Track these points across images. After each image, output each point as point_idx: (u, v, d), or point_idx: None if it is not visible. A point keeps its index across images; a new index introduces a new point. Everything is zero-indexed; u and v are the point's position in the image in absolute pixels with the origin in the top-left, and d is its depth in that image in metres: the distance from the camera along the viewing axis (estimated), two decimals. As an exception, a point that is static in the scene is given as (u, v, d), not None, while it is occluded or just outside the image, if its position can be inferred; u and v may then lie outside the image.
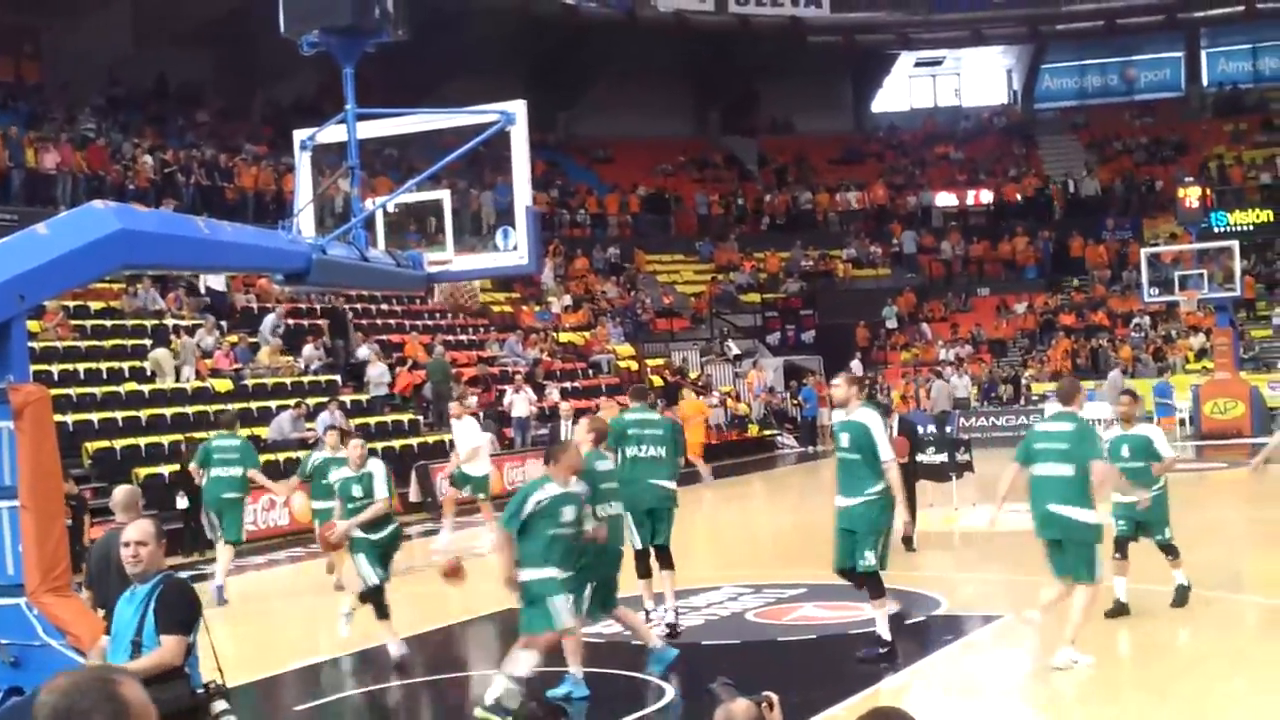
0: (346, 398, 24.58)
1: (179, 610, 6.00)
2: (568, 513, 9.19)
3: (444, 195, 9.68)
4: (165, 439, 21.16)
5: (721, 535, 19.66)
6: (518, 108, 8.97)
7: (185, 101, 36.09)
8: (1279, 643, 11.16)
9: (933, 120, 51.14)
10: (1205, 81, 49.94)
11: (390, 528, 11.41)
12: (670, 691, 9.69)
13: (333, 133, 9.36)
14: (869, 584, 10.38)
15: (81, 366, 22.21)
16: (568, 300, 36.26)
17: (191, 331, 24.36)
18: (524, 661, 9.09)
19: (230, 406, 20.52)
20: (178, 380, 23.14)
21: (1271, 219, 41.69)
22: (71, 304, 23.15)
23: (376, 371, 26.19)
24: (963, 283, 43.30)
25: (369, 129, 9.41)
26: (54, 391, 12.46)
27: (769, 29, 44.90)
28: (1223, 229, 40.51)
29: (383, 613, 11.15)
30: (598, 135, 46.14)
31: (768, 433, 34.57)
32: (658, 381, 32.86)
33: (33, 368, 7.77)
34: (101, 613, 7.15)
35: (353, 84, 8.92)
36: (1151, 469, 11.44)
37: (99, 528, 13.85)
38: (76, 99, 32.62)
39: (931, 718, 8.97)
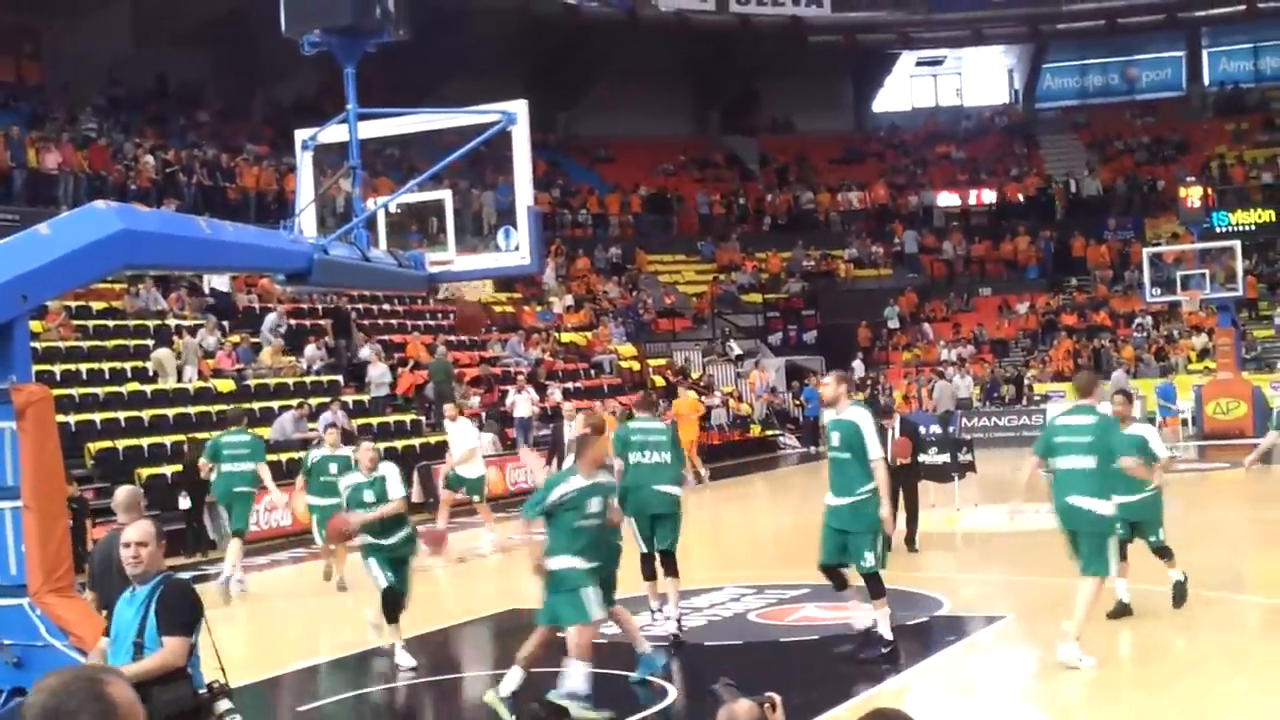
0: (348, 398, 24.59)
1: (181, 611, 6.00)
2: (594, 504, 9.24)
3: (445, 195, 9.69)
4: (167, 439, 21.17)
5: (723, 536, 19.66)
6: (519, 108, 8.97)
7: (186, 101, 36.10)
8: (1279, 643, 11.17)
9: (934, 120, 51.12)
10: (1206, 81, 49.92)
11: (401, 533, 11.14)
12: (672, 692, 9.69)
13: (334, 133, 9.37)
14: (869, 584, 10.38)
15: (84, 367, 22.21)
16: (569, 300, 36.26)
17: (193, 332, 24.37)
18: (578, 674, 9.07)
19: (234, 406, 20.64)
20: (180, 380, 23.14)
21: (1273, 218, 41.68)
22: (74, 304, 23.15)
23: (378, 372, 26.19)
24: (964, 283, 43.28)
25: (370, 129, 9.41)
26: (56, 392, 12.47)
27: (770, 28, 44.90)
28: (1224, 229, 40.50)
29: (393, 617, 11.08)
30: (599, 135, 46.14)
31: (770, 433, 34.56)
32: (660, 381, 32.87)
33: (35, 368, 7.78)
34: (105, 613, 7.15)
35: (354, 84, 8.92)
36: (1152, 467, 11.42)
37: (101, 528, 13.86)
38: (77, 99, 32.63)
39: (933, 718, 8.97)
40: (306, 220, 9.24)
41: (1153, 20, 46.59)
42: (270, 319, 26.31)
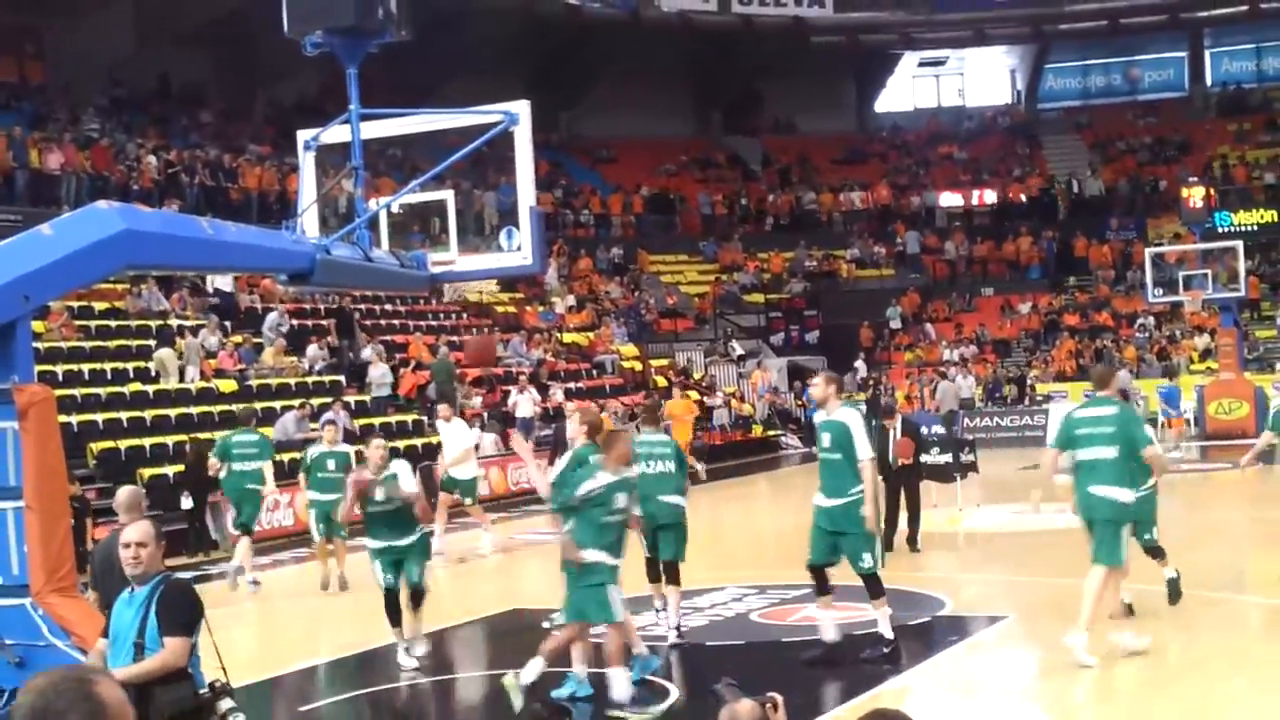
0: (350, 398, 24.59)
1: (182, 612, 6.00)
2: (620, 499, 9.29)
3: (448, 195, 9.69)
4: (169, 439, 21.18)
5: (725, 536, 19.66)
6: (521, 108, 8.98)
7: (188, 101, 36.11)
8: (1283, 643, 11.17)
9: (936, 120, 51.11)
10: (1209, 81, 49.89)
11: (411, 538, 11.01)
12: (675, 692, 9.69)
13: (336, 133, 9.37)
14: (868, 584, 10.40)
15: (86, 367, 22.22)
16: (571, 301, 36.26)
17: (195, 332, 24.38)
18: (621, 681, 9.10)
19: (244, 406, 20.74)
20: (182, 381, 23.16)
21: (1276, 219, 41.65)
22: (76, 304, 23.17)
23: (378, 372, 26.20)
24: (967, 283, 43.27)
25: (372, 129, 9.42)
26: (58, 392, 12.47)
27: (772, 29, 44.89)
28: (1227, 229, 40.48)
29: (395, 619, 11.05)
30: (601, 135, 46.14)
31: (772, 433, 34.55)
32: (661, 382, 32.87)
33: (37, 368, 7.79)
34: (107, 613, 7.16)
35: (356, 84, 8.93)
36: (1148, 469, 11.40)
37: (103, 528, 13.86)
38: (79, 99, 32.65)
39: (935, 718, 8.98)
40: (309, 220, 9.25)
41: (1155, 20, 46.57)
42: (271, 318, 26.32)
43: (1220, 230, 40.20)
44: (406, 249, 9.45)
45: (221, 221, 9.03)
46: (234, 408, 22.79)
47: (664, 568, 11.43)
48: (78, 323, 23.25)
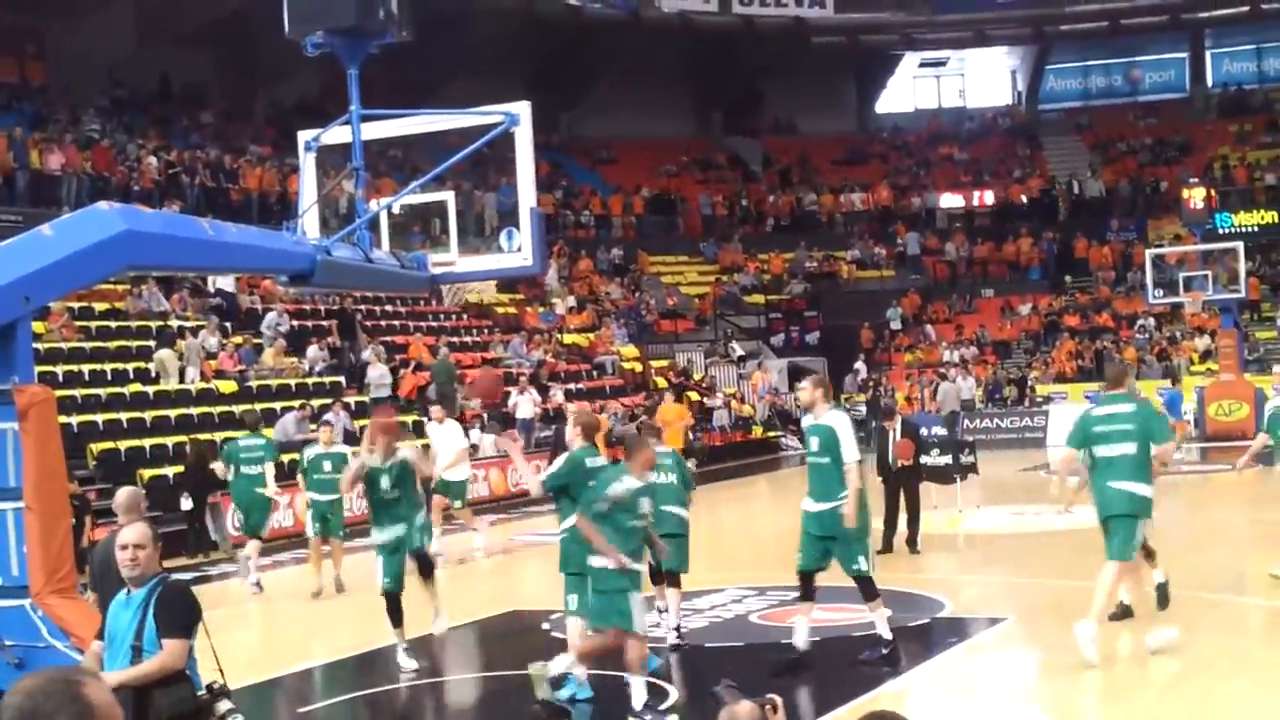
0: (351, 399, 24.59)
1: (180, 614, 6.00)
2: (644, 505, 9.29)
3: (448, 196, 9.70)
4: (169, 440, 21.19)
5: (725, 537, 19.66)
6: (522, 109, 8.97)
7: (189, 102, 36.12)
8: (1283, 645, 11.17)
9: (937, 121, 51.11)
10: (1210, 82, 49.89)
11: (416, 521, 10.98)
12: (674, 694, 9.69)
13: (337, 134, 9.37)
14: (862, 587, 10.41)
15: (86, 368, 22.23)
16: (572, 302, 36.26)
17: (196, 333, 24.39)
18: (639, 690, 9.10)
19: (255, 407, 20.99)
20: (182, 381, 23.16)
21: (1276, 220, 41.64)
22: (76, 305, 23.18)
23: (377, 373, 26.19)
24: (967, 284, 43.27)
25: (373, 130, 9.42)
26: (58, 393, 12.47)
27: (773, 29, 44.89)
28: (1227, 230, 40.48)
29: (395, 620, 11.04)
30: (601, 136, 46.14)
31: (771, 434, 34.55)
32: (662, 383, 32.87)
33: (37, 369, 7.79)
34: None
35: (357, 85, 8.93)
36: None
37: (102, 529, 13.86)
38: (80, 100, 32.65)
39: (935, 720, 8.98)
40: (309, 221, 9.25)
41: (1156, 21, 46.58)
42: (270, 318, 26.34)
43: (1221, 231, 40.20)
44: (407, 250, 9.45)
45: (222, 222, 9.04)
46: (234, 409, 22.86)
47: (666, 574, 11.45)
48: (78, 323, 23.25)
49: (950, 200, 46.08)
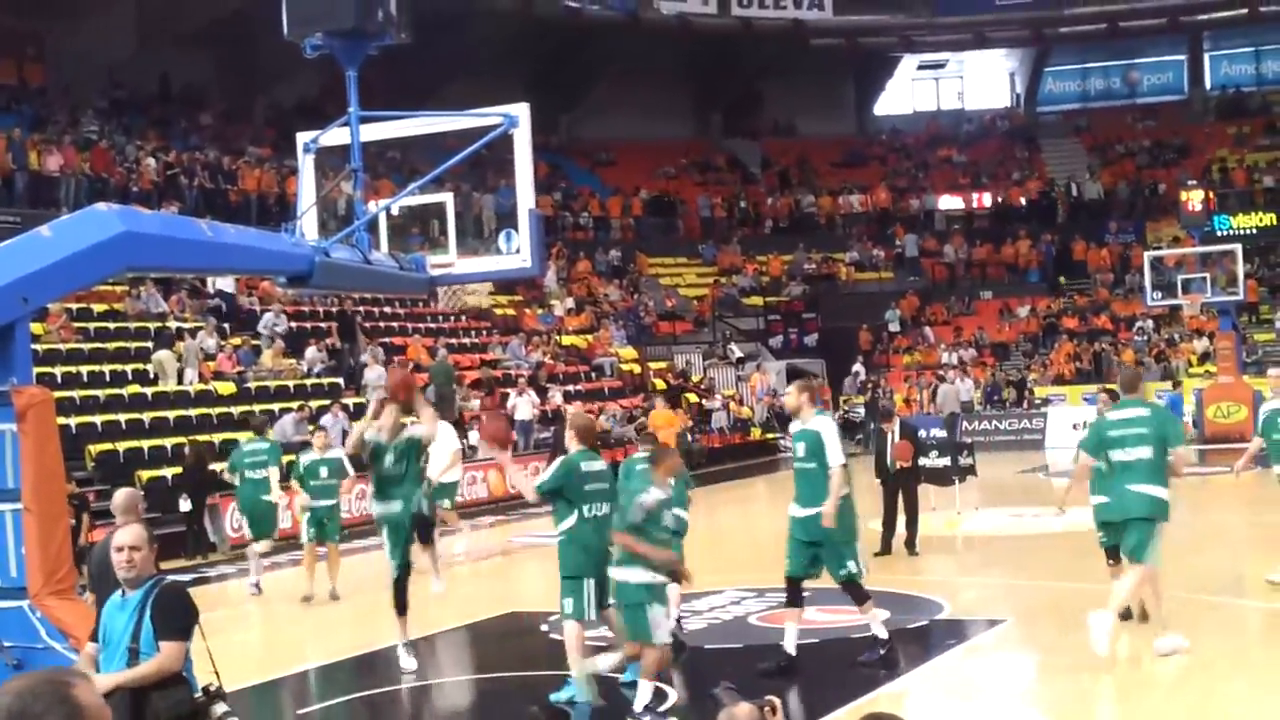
0: (349, 400, 24.58)
1: (178, 616, 6.00)
2: (668, 516, 9.32)
3: (447, 198, 9.69)
4: (168, 441, 21.18)
5: (724, 538, 19.65)
6: (521, 110, 8.96)
7: (188, 104, 36.12)
8: (1282, 647, 11.17)
9: (935, 123, 51.13)
10: (1208, 84, 49.91)
11: (397, 504, 10.83)
12: (673, 695, 9.68)
13: (336, 135, 9.37)
14: (850, 591, 10.42)
15: (84, 369, 22.22)
16: (570, 303, 36.26)
17: (194, 334, 24.39)
18: (644, 692, 9.10)
19: (255, 409, 20.98)
20: (180, 383, 23.15)
21: (1274, 222, 41.65)
22: (74, 306, 23.16)
23: (374, 375, 26.16)
24: (965, 286, 43.27)
25: (372, 131, 9.41)
26: (57, 394, 12.46)
27: (771, 31, 44.91)
28: (1225, 232, 40.51)
29: (400, 606, 10.94)
30: (600, 138, 46.14)
31: (770, 436, 34.53)
32: (660, 385, 32.87)
33: (36, 370, 7.78)
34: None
35: (356, 87, 8.92)
36: None
37: (101, 530, 13.86)
38: (79, 101, 32.65)
39: (934, 722, 8.98)
40: (308, 223, 9.24)
41: (1154, 24, 46.60)
42: (266, 318, 26.34)
43: (1219, 234, 40.22)
44: (405, 251, 9.44)
45: (221, 224, 9.03)
46: (233, 410, 22.87)
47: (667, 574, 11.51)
48: (76, 325, 23.25)
49: (949, 202, 46.09)
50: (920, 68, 51.88)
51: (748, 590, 13.79)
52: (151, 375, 23.02)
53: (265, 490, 15.63)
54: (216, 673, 6.19)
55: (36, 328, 20.43)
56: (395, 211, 9.75)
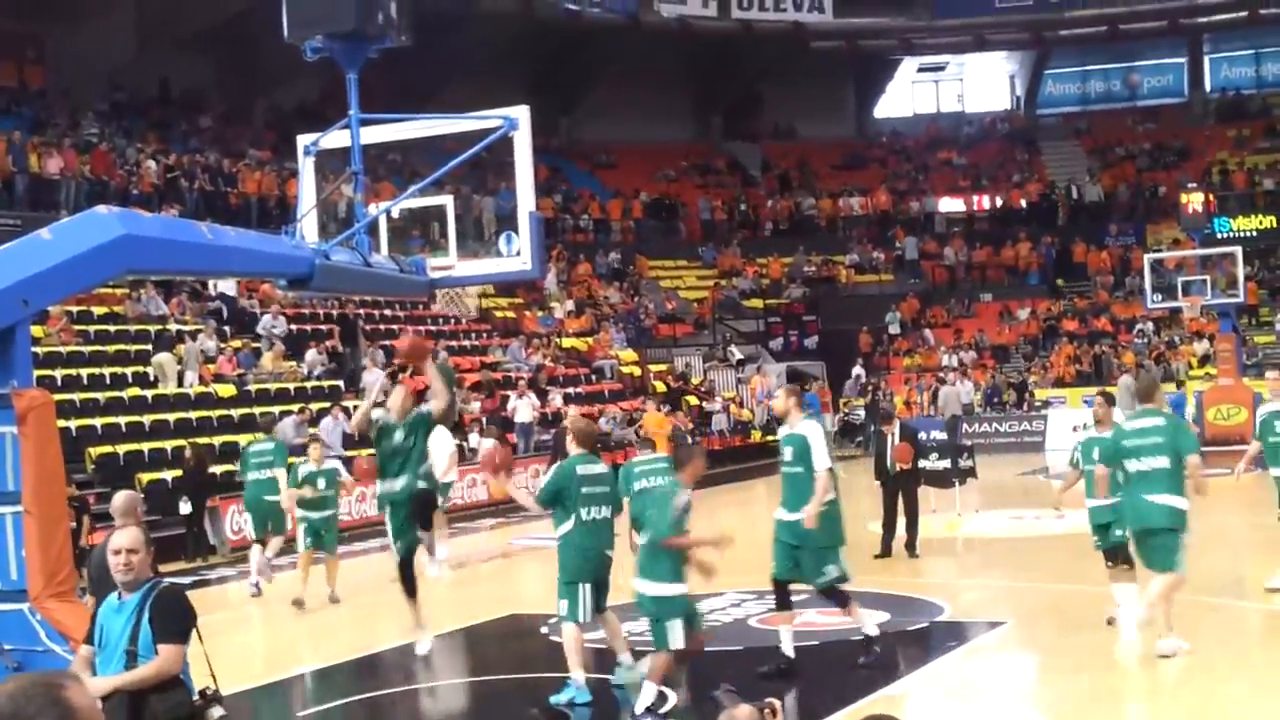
0: (350, 403, 24.57)
1: (177, 619, 6.00)
2: (687, 520, 9.34)
3: (447, 200, 9.69)
4: (168, 444, 21.17)
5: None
6: (521, 113, 8.96)
7: (188, 106, 36.13)
8: (1282, 649, 11.17)
9: (936, 126, 51.13)
10: (1208, 87, 49.90)
11: (402, 480, 10.70)
12: (673, 697, 9.68)
13: (336, 138, 9.37)
14: (831, 596, 10.43)
15: (85, 371, 22.22)
16: (570, 306, 36.26)
17: (194, 337, 24.40)
18: (648, 693, 9.12)
19: (256, 411, 21.00)
20: (180, 385, 23.16)
21: (1274, 224, 41.66)
22: (75, 309, 23.17)
23: (372, 378, 26.12)
24: (966, 288, 43.27)
25: (372, 134, 9.41)
26: (57, 396, 12.46)
27: (772, 34, 44.91)
28: (1226, 235, 40.51)
29: (409, 590, 10.84)
30: (600, 140, 46.14)
31: (770, 438, 34.42)
32: (660, 387, 32.87)
33: (36, 373, 7.77)
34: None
35: (356, 89, 8.92)
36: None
37: (101, 533, 13.86)
38: (79, 104, 32.66)
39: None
40: (308, 225, 9.24)
41: (1154, 26, 46.57)
42: (265, 320, 26.35)
43: (1219, 236, 40.22)
44: (406, 254, 9.44)
45: (221, 226, 9.02)
46: (233, 413, 22.88)
47: None
48: (77, 327, 23.25)
49: (949, 205, 46.09)
50: (920, 70, 51.88)
51: (748, 593, 13.78)
52: (152, 378, 23.02)
53: (271, 490, 15.59)
54: (213, 676, 6.19)
55: (37, 330, 20.44)
56: (395, 214, 9.75)
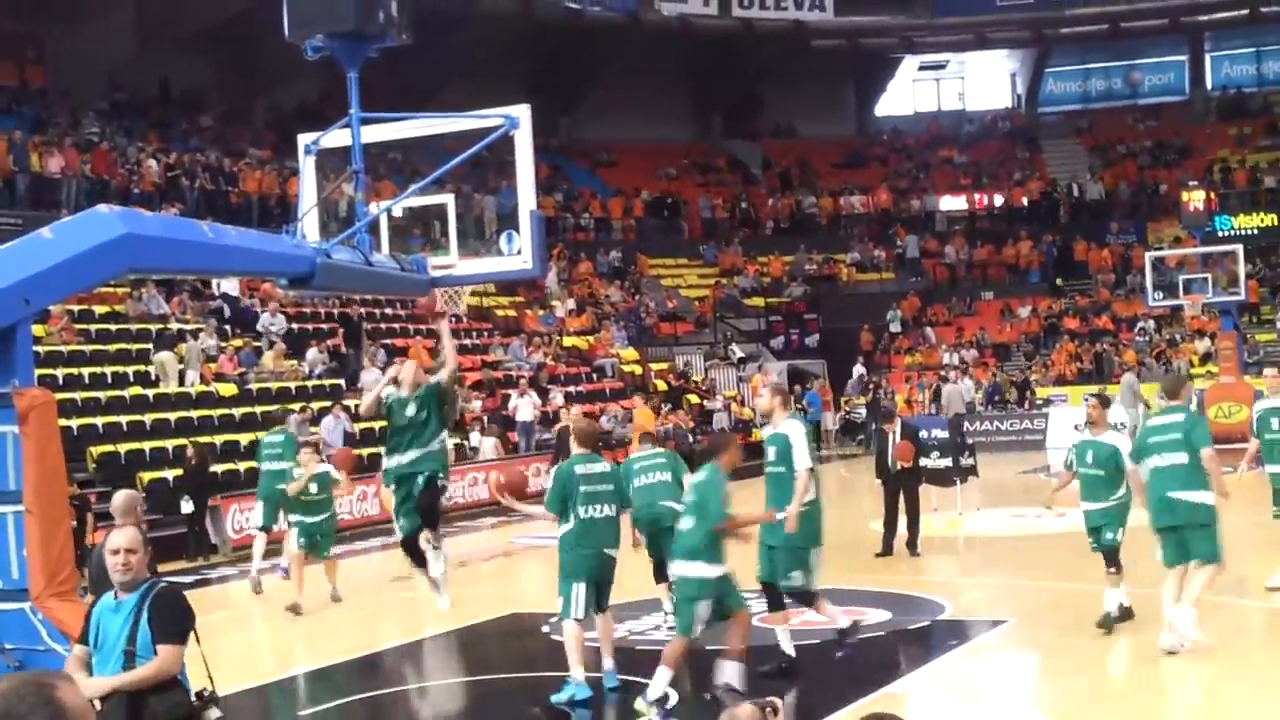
0: (350, 402, 24.57)
1: (176, 620, 5.99)
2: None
3: (448, 199, 9.68)
4: (169, 443, 21.17)
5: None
6: (522, 112, 8.96)
7: (189, 106, 36.14)
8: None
9: (936, 124, 51.12)
10: (1209, 85, 49.89)
11: (433, 446, 10.31)
12: (674, 696, 9.69)
13: (337, 137, 9.36)
14: (798, 600, 10.45)
15: (86, 370, 22.23)
16: (571, 304, 36.26)
17: (196, 335, 24.41)
18: (661, 680, 9.12)
19: (282, 407, 20.91)
20: (182, 384, 23.16)
21: (1276, 222, 41.64)
22: (76, 308, 23.18)
23: (371, 378, 26.14)
24: (967, 287, 43.26)
25: (373, 133, 9.40)
26: (58, 395, 12.46)
27: (772, 33, 44.90)
28: (1227, 233, 40.49)
29: (416, 560, 10.73)
30: (601, 139, 46.14)
31: (771, 437, 34.50)
32: (661, 386, 32.87)
33: (37, 372, 7.77)
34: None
35: (357, 88, 8.92)
36: (1120, 479, 11.28)
37: (103, 531, 13.87)
38: (80, 103, 32.67)
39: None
40: (309, 224, 9.23)
41: (1155, 24, 46.56)
42: (264, 318, 26.36)
43: (1220, 234, 40.20)
44: (406, 253, 9.44)
45: (222, 225, 9.01)
46: (234, 412, 22.89)
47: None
48: (78, 326, 23.26)
49: (950, 203, 46.08)
50: (921, 68, 51.87)
51: (748, 591, 13.74)
52: (153, 377, 23.03)
53: (282, 480, 15.63)
54: (210, 677, 6.19)
55: (38, 329, 20.44)
56: (396, 213, 9.74)
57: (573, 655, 9.66)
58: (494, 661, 12.02)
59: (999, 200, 45.69)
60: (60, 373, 21.15)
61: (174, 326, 24.73)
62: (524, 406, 26.99)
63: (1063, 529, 15.44)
